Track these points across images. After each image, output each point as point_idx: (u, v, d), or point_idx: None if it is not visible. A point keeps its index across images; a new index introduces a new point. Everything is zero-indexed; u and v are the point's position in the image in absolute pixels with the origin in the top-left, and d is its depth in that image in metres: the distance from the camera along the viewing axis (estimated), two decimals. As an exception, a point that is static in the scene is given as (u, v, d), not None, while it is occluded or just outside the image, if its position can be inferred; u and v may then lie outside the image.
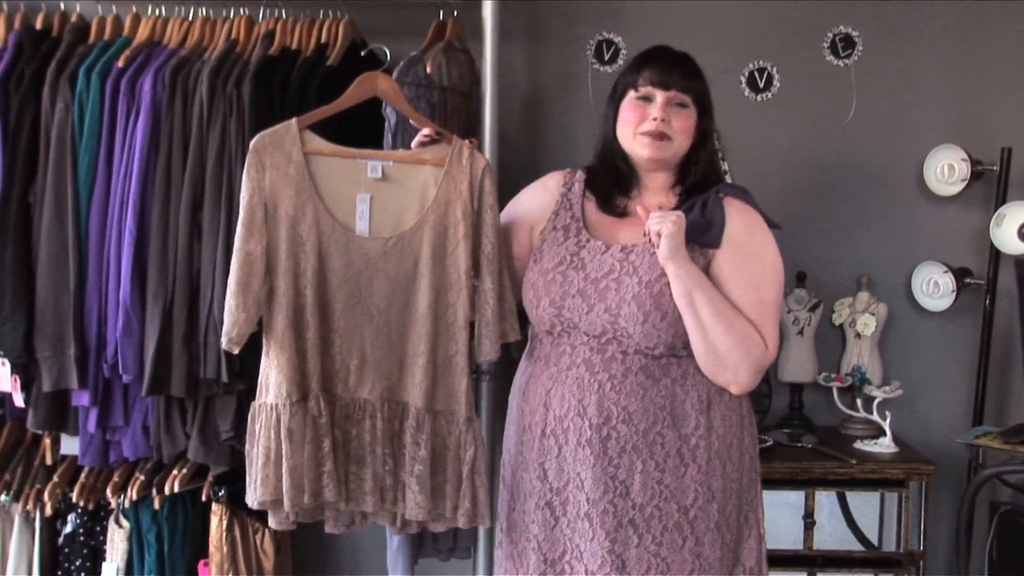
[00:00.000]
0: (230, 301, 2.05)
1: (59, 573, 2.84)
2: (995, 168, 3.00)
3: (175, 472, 2.75)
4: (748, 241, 2.10)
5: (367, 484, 2.12)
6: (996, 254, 3.00)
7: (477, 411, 2.57)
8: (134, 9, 2.73)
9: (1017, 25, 3.08)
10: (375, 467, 2.12)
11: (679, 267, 2.01)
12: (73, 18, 2.71)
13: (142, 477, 2.75)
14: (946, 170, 2.99)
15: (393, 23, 2.90)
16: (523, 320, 2.23)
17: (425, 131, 2.17)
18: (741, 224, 2.10)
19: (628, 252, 2.11)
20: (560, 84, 3.15)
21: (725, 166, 2.78)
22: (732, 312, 2.04)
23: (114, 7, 2.73)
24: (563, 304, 2.11)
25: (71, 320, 2.54)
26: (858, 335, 3.06)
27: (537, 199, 2.26)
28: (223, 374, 2.46)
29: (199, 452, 2.58)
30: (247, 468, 2.12)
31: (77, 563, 2.82)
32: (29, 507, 2.80)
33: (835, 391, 3.01)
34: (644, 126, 2.10)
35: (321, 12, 2.74)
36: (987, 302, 3.04)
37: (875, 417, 2.91)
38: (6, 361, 2.60)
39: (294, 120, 2.12)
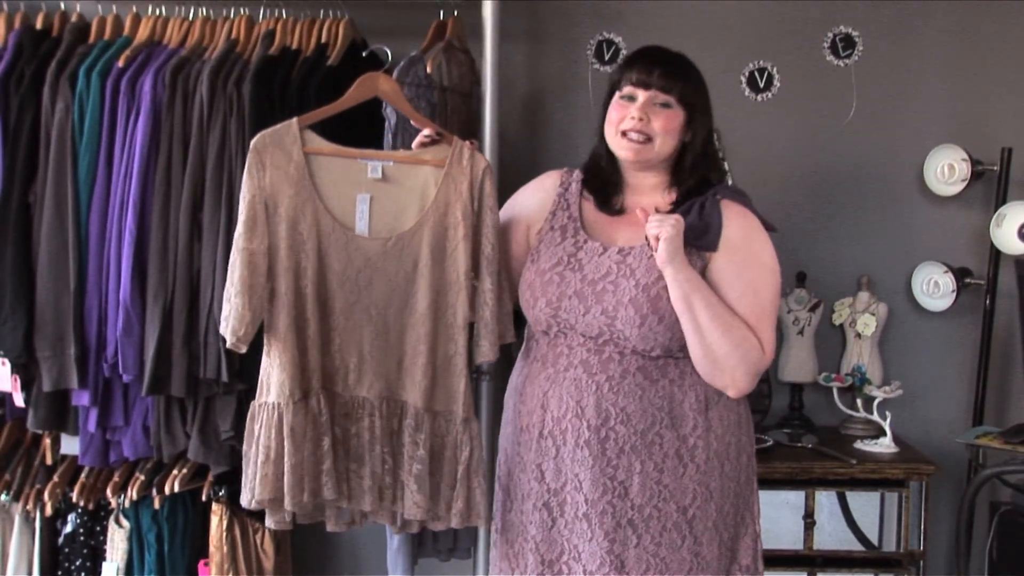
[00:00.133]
0: (235, 300, 2.05)
1: (59, 573, 2.84)
2: (995, 168, 3.01)
3: (175, 472, 2.75)
4: (745, 244, 2.09)
5: (365, 482, 2.12)
6: (996, 254, 3.01)
7: (477, 412, 2.57)
8: (134, 9, 2.73)
9: (1017, 25, 3.08)
10: (373, 465, 2.12)
11: (677, 271, 2.01)
12: (73, 18, 2.71)
13: (142, 477, 2.76)
14: (946, 170, 2.99)
15: (393, 23, 2.90)
16: (518, 320, 2.23)
17: (426, 131, 2.17)
18: (738, 227, 2.09)
19: (625, 254, 2.10)
20: (560, 84, 3.15)
21: (725, 166, 2.78)
22: (729, 316, 2.04)
23: (114, 7, 2.73)
24: (560, 305, 2.11)
25: (71, 320, 2.54)
26: (858, 335, 3.06)
27: (535, 198, 2.26)
28: (223, 374, 2.46)
29: (199, 452, 2.58)
30: (244, 468, 2.12)
31: (77, 563, 2.82)
32: (29, 507, 2.80)
33: (835, 391, 3.01)
34: (623, 125, 2.10)
35: (321, 12, 2.74)
36: (987, 302, 3.04)
37: (875, 417, 2.91)
38: (6, 361, 2.60)
39: (295, 120, 2.12)
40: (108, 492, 2.74)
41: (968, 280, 3.04)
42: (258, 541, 2.80)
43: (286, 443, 2.05)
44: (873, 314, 3.03)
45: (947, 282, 3.00)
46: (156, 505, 2.77)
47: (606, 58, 3.12)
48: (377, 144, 2.49)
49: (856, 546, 2.97)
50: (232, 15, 2.72)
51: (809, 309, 3.08)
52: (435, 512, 2.16)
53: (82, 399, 2.60)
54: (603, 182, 2.19)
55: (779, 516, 2.82)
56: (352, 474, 2.14)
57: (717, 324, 2.02)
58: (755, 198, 2.19)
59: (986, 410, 3.08)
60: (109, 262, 2.55)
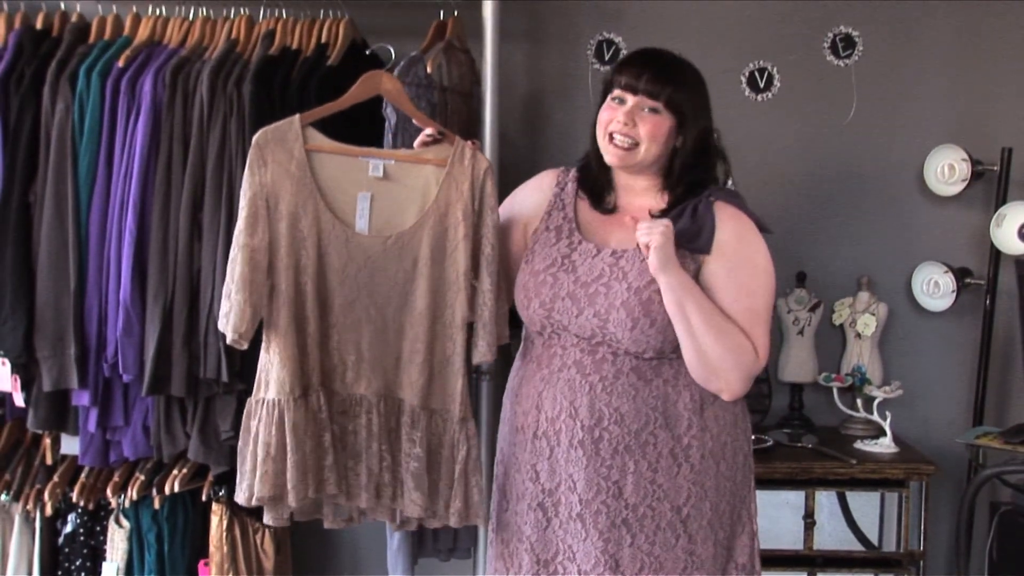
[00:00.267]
0: (236, 297, 2.04)
1: (59, 573, 2.84)
2: (995, 168, 3.01)
3: (175, 472, 2.75)
4: (739, 247, 2.08)
5: (362, 479, 2.12)
6: (996, 254, 3.01)
7: (476, 412, 2.57)
8: (134, 9, 2.73)
9: (1017, 25, 3.08)
10: (369, 463, 2.12)
11: (670, 277, 2.00)
12: (73, 18, 2.71)
13: (142, 477, 2.75)
14: (946, 170, 2.99)
15: (393, 23, 2.90)
16: (515, 321, 2.23)
17: (428, 131, 2.17)
18: (732, 229, 2.08)
19: (619, 257, 2.10)
20: (560, 84, 3.15)
21: (727, 167, 2.78)
22: (723, 320, 2.03)
23: (114, 7, 2.73)
24: (553, 306, 2.10)
25: (71, 320, 2.54)
26: (858, 335, 3.06)
27: (532, 198, 2.26)
28: (223, 374, 2.46)
29: (199, 452, 2.58)
30: (239, 465, 2.11)
31: (77, 563, 2.82)
32: (29, 507, 2.80)
33: (835, 391, 3.02)
34: (610, 127, 2.09)
35: (321, 12, 2.74)
36: (987, 302, 3.04)
37: (875, 417, 2.91)
38: (6, 361, 2.60)
39: (297, 116, 2.11)
40: (108, 492, 2.74)
41: (968, 280, 3.04)
42: (258, 541, 2.80)
43: (288, 440, 2.05)
44: (873, 314, 3.03)
45: (947, 282, 3.00)
46: (156, 505, 2.77)
47: (606, 58, 3.12)
48: (377, 143, 2.49)
49: (856, 546, 2.97)
50: (232, 15, 2.72)
51: (809, 309, 3.08)
52: (433, 510, 2.16)
53: (82, 399, 2.60)
54: (596, 182, 2.19)
55: (779, 516, 2.82)
56: (350, 471, 2.14)
57: (710, 328, 2.01)
58: (755, 198, 2.19)
59: (986, 410, 3.08)
60: (109, 262, 2.55)
